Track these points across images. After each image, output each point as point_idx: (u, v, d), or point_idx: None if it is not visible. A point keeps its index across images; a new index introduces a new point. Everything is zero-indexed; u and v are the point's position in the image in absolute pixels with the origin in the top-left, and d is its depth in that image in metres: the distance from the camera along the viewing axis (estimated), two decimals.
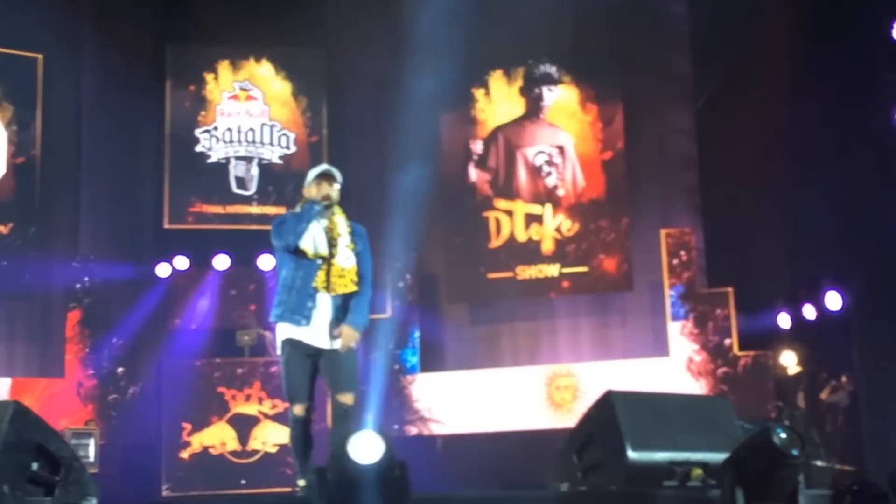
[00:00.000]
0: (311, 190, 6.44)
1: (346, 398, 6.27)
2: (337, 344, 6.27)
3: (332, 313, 6.30)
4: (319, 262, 6.31)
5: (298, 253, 6.31)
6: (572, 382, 13.99)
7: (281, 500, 5.39)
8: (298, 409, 6.29)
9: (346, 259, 6.36)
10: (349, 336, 6.26)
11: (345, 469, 4.12)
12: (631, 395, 5.36)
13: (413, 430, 14.12)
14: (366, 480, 4.12)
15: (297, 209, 6.46)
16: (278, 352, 6.42)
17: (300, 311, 6.25)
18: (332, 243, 6.35)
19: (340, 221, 6.43)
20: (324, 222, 6.39)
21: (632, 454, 5.03)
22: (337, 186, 6.46)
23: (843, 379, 12.05)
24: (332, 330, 6.27)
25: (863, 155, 11.19)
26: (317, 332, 6.27)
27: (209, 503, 5.09)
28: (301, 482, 6.27)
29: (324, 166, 6.56)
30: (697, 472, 5.15)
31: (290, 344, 6.28)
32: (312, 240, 6.33)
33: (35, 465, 4.80)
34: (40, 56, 14.01)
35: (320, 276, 6.30)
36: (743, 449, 4.64)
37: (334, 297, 6.31)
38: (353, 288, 6.36)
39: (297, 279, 6.30)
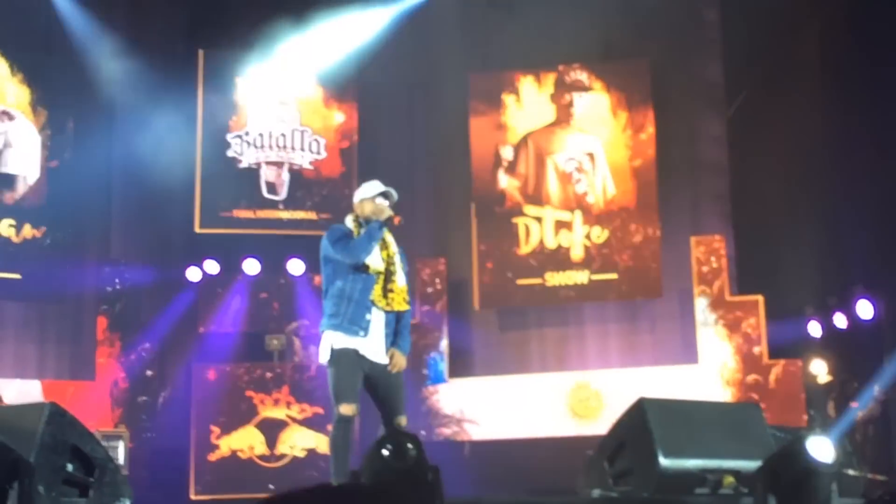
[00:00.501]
0: (365, 206, 6.60)
1: (402, 421, 6.45)
2: (384, 360, 6.47)
3: (384, 328, 6.48)
4: (376, 276, 6.48)
5: (359, 267, 6.47)
6: (600, 389, 13.95)
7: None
8: (346, 409, 6.32)
9: (400, 277, 6.59)
10: (400, 363, 6.47)
11: (378, 472, 4.13)
12: (663, 402, 5.36)
13: (440, 436, 14.12)
14: (399, 483, 4.13)
15: (349, 223, 6.61)
16: (322, 360, 6.51)
17: (358, 323, 6.40)
18: (388, 260, 6.54)
19: (391, 239, 6.63)
20: (391, 247, 6.61)
21: (663, 461, 5.03)
22: (390, 205, 6.62)
23: (876, 388, 11.96)
24: (386, 345, 6.48)
25: (894, 162, 11.14)
26: (372, 344, 6.44)
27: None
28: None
29: (381, 186, 6.67)
30: (729, 479, 5.14)
31: (344, 351, 6.41)
32: (371, 256, 6.50)
33: (70, 466, 4.84)
34: (74, 59, 14.10)
35: (377, 290, 6.47)
36: (776, 457, 4.62)
37: (388, 313, 6.49)
38: (406, 306, 6.58)
39: (356, 291, 6.45)
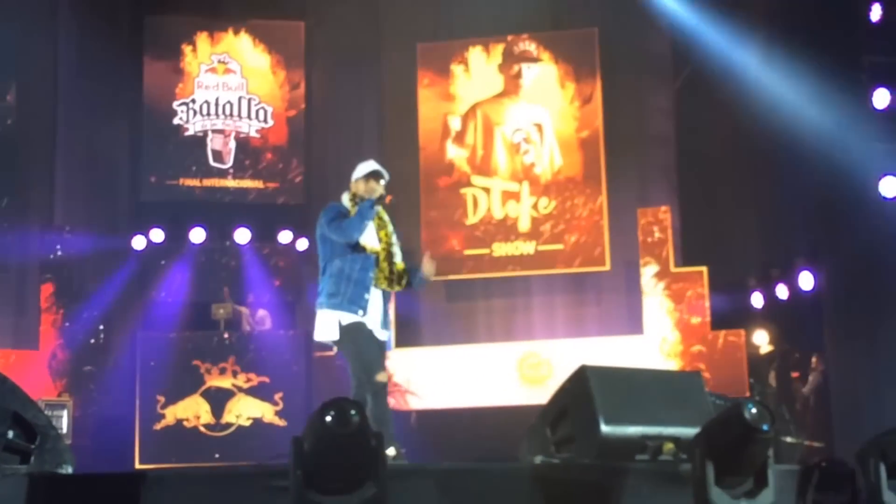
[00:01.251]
0: (359, 186, 6.74)
1: (383, 376, 6.59)
2: (382, 336, 6.66)
3: (382, 306, 6.66)
4: (374, 256, 6.61)
5: (356, 246, 6.60)
6: (546, 359, 14.04)
7: (259, 469, 5.40)
8: (381, 376, 6.53)
9: (399, 258, 6.77)
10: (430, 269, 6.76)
11: (321, 439, 4.13)
12: (605, 369, 5.40)
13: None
14: (341, 450, 4.14)
15: (346, 202, 6.71)
16: (326, 338, 6.66)
17: (358, 302, 6.54)
18: (386, 240, 6.70)
19: (388, 218, 6.77)
20: (386, 226, 6.74)
21: (605, 428, 5.07)
22: (384, 184, 6.76)
23: (814, 359, 12.14)
24: (382, 321, 6.64)
25: (838, 137, 11.25)
26: (370, 322, 6.59)
27: (188, 473, 5.14)
28: (390, 451, 6.37)
29: (374, 165, 6.81)
30: (669, 446, 5.19)
31: (355, 325, 6.54)
32: (369, 236, 6.63)
33: (11, 434, 4.79)
34: (16, 25, 13.88)
35: (380, 271, 6.63)
36: (714, 423, 4.68)
37: (385, 292, 6.67)
38: (398, 288, 6.78)
39: (355, 271, 6.58)
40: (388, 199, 6.73)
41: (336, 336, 6.60)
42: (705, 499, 4.52)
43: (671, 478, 4.98)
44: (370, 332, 6.60)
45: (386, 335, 6.75)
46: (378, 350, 6.66)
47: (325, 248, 6.74)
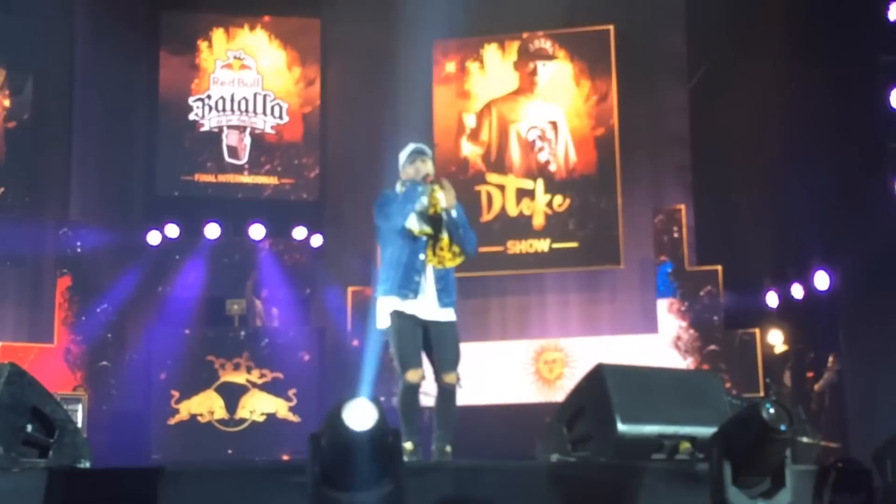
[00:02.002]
0: (408, 171, 6.65)
1: (451, 378, 6.55)
2: (441, 317, 6.51)
3: (436, 286, 6.52)
4: (424, 238, 6.51)
5: (404, 231, 6.52)
6: (560, 357, 14.04)
7: (277, 464, 5.43)
8: (412, 375, 6.43)
9: (448, 234, 6.58)
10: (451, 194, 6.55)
11: (338, 436, 4.14)
12: (622, 368, 5.40)
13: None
14: (359, 447, 4.14)
15: (399, 188, 6.64)
16: (382, 326, 6.57)
17: (407, 286, 6.46)
18: (435, 219, 6.54)
19: (441, 197, 6.58)
20: (425, 200, 6.56)
21: (621, 427, 5.07)
22: (430, 161, 6.68)
23: (830, 358, 12.11)
24: (438, 302, 6.51)
25: (855, 136, 11.23)
26: (424, 304, 6.49)
27: (205, 468, 5.14)
28: (408, 445, 6.42)
29: (413, 145, 6.74)
30: (685, 445, 5.19)
31: (399, 314, 6.48)
32: (416, 218, 6.53)
33: (30, 427, 4.82)
34: (34, 20, 13.92)
35: (427, 251, 6.52)
36: (731, 423, 4.67)
37: (439, 270, 6.55)
38: (459, 260, 6.60)
39: (404, 255, 6.50)
40: (428, 178, 6.60)
41: (387, 323, 6.56)
42: (722, 498, 4.51)
43: (688, 477, 4.97)
44: (417, 325, 6.49)
45: (447, 315, 6.57)
46: (416, 346, 6.52)
47: (379, 237, 6.74)
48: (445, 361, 6.59)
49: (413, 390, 6.49)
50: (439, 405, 6.64)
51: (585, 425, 5.31)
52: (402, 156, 6.74)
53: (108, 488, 4.79)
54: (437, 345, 6.57)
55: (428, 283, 6.52)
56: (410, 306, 6.50)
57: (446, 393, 6.60)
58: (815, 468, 5.28)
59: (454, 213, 6.58)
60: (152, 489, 4.72)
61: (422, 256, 6.51)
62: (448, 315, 6.60)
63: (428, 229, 6.54)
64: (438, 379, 6.58)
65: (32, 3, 13.83)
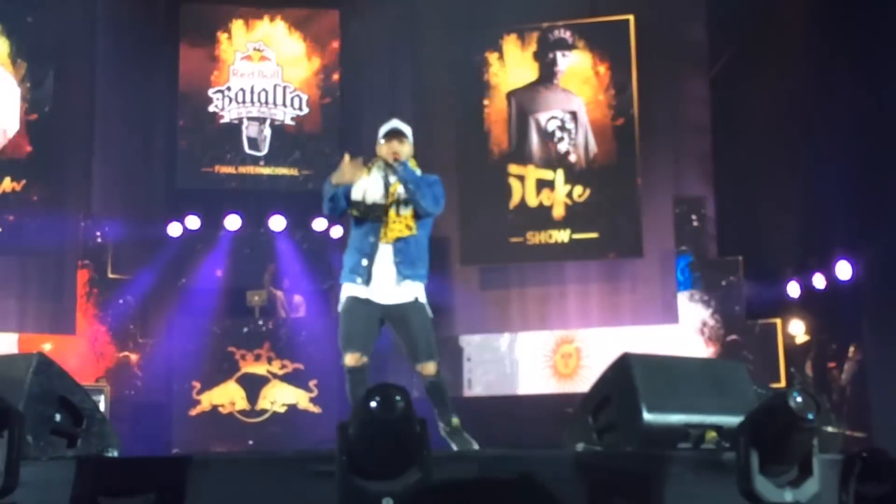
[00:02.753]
0: (381, 149, 6.42)
1: (426, 368, 6.26)
2: (399, 298, 6.22)
3: (392, 262, 6.26)
4: (379, 220, 6.30)
5: (360, 214, 6.34)
6: (581, 348, 14.03)
7: (304, 453, 5.43)
8: (348, 359, 6.20)
9: (403, 206, 6.32)
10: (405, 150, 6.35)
11: (366, 424, 4.15)
12: (647, 357, 5.40)
13: (419, 392, 14.15)
14: (386, 435, 4.16)
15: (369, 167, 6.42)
16: (340, 310, 6.40)
17: (356, 270, 6.27)
18: (390, 199, 6.31)
19: (408, 176, 6.31)
20: (392, 179, 6.34)
21: (647, 416, 5.07)
22: (408, 142, 6.44)
23: (851, 349, 12.08)
24: (397, 279, 6.23)
25: (877, 125, 11.17)
26: (376, 288, 6.26)
27: (232, 458, 5.12)
28: None
29: (390, 124, 6.52)
30: (712, 434, 5.19)
31: (351, 298, 6.29)
32: (363, 194, 6.30)
33: (58, 417, 4.85)
34: (55, 13, 13.97)
35: (380, 232, 6.28)
36: (759, 412, 4.66)
37: (393, 244, 6.27)
38: (408, 232, 6.31)
39: (357, 239, 6.36)
40: (395, 156, 6.31)
41: (341, 307, 6.36)
42: (749, 487, 4.50)
43: (714, 466, 4.97)
44: (367, 307, 6.22)
45: (408, 294, 6.25)
46: (357, 330, 6.21)
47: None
48: (414, 351, 6.29)
49: (352, 376, 6.21)
50: (429, 398, 6.40)
51: (611, 414, 5.31)
52: (381, 131, 6.50)
53: (135, 477, 4.82)
54: (400, 332, 6.31)
55: (381, 263, 6.26)
56: (362, 291, 6.26)
57: (429, 387, 6.33)
58: (842, 458, 5.27)
59: (401, 170, 6.27)
60: (180, 478, 4.74)
61: (371, 239, 6.28)
62: (408, 294, 6.29)
63: (377, 213, 6.31)
64: (416, 371, 6.33)
65: None
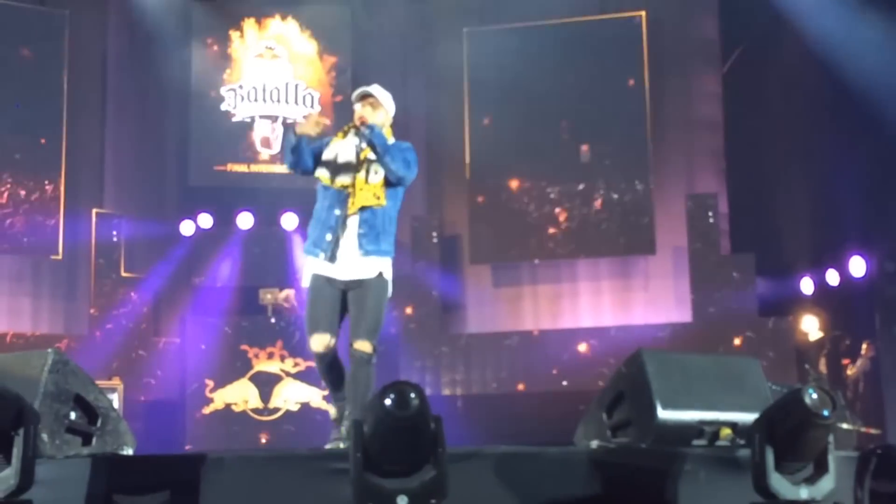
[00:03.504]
0: (355, 113, 6.13)
1: (362, 345, 5.87)
2: (363, 273, 5.93)
3: (358, 231, 5.94)
4: (345, 192, 5.96)
5: (324, 182, 6.03)
6: (593, 345, 14.00)
7: (318, 451, 5.44)
8: (314, 343, 5.92)
9: (373, 174, 5.97)
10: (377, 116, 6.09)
11: (381, 421, 4.15)
12: (662, 353, 5.37)
13: (433, 389, 14.18)
14: (401, 433, 4.15)
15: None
16: (304, 284, 6.10)
17: (319, 245, 5.95)
18: (359, 166, 5.98)
19: (379, 142, 5.97)
20: (361, 145, 6.02)
21: (662, 413, 5.05)
22: (382, 108, 6.14)
23: (864, 345, 12.03)
24: (362, 250, 5.92)
25: (890, 121, 11.13)
26: (340, 264, 5.94)
27: (246, 455, 5.11)
28: (331, 410, 6.12)
29: (364, 87, 6.24)
30: (726, 431, 5.17)
31: (315, 276, 6.00)
32: (332, 167, 6.01)
33: (73, 415, 4.85)
34: (67, 12, 14.02)
35: (348, 203, 5.94)
36: (774, 408, 4.64)
37: (359, 213, 5.93)
38: (376, 202, 5.95)
39: (322, 210, 6.02)
40: (361, 119, 6.00)
41: (307, 283, 6.05)
42: (764, 484, 4.48)
43: (729, 463, 4.95)
44: (330, 285, 5.93)
45: (370, 269, 5.91)
46: (323, 311, 5.92)
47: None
48: (358, 326, 5.89)
49: (320, 360, 5.97)
50: (350, 376, 5.98)
51: (625, 411, 5.29)
52: (354, 95, 6.22)
53: (150, 475, 4.82)
54: (354, 306, 5.94)
55: (348, 239, 5.93)
56: (324, 267, 5.95)
57: (356, 362, 5.89)
58: (857, 454, 5.26)
59: (367, 133, 5.93)
60: (194, 475, 4.75)
61: (337, 212, 5.93)
62: (370, 270, 5.95)
63: (346, 181, 5.97)
64: (350, 346, 5.91)
65: None
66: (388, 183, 5.99)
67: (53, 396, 4.70)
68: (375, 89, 6.20)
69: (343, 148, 6.05)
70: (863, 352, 11.99)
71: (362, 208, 5.93)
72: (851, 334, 12.39)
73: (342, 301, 5.99)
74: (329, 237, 5.93)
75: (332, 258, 5.93)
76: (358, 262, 5.94)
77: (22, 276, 13.89)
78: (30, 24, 13.88)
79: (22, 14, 13.84)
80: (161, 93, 14.83)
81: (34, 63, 13.85)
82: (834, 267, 12.79)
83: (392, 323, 13.51)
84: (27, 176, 13.68)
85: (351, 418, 5.80)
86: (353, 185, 5.95)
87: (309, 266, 6.03)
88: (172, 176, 14.99)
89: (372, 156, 5.96)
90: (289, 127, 6.26)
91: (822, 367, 12.46)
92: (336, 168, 6.01)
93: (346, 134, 6.12)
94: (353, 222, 5.95)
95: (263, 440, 13.48)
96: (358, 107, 6.13)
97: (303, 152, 6.03)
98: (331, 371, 6.04)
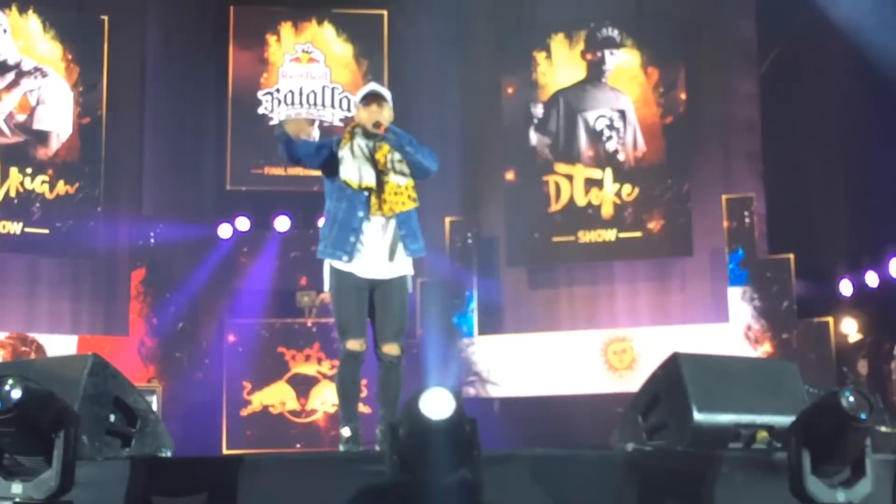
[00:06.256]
0: (360, 115, 6.07)
1: (391, 349, 5.97)
2: (389, 274, 5.96)
3: (391, 236, 5.97)
4: (366, 193, 5.94)
5: (342, 184, 5.97)
6: (630, 347, 13.97)
7: (355, 454, 5.47)
8: (351, 344, 5.93)
9: (399, 176, 5.97)
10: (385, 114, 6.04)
11: (416, 425, 4.17)
12: (698, 357, 5.36)
13: (470, 392, 14.19)
14: (437, 436, 4.17)
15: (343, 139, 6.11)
16: (325, 286, 6.08)
17: (341, 247, 5.92)
18: (381, 169, 5.94)
19: (397, 141, 5.96)
20: (370, 145, 5.99)
21: (698, 416, 5.04)
22: (387, 106, 6.07)
23: None
24: (390, 254, 5.94)
25: None
26: (366, 263, 5.95)
27: (284, 458, 5.12)
28: (345, 432, 6.03)
29: (369, 87, 6.22)
30: (763, 434, 5.15)
31: (337, 274, 5.99)
32: (358, 170, 5.96)
33: (113, 417, 4.91)
34: (106, 17, 14.14)
35: (371, 204, 5.92)
36: (811, 411, 4.63)
37: (399, 215, 5.97)
38: (413, 204, 5.99)
39: (340, 212, 5.97)
40: (381, 127, 5.90)
41: (327, 286, 6.02)
42: (801, 487, 4.47)
43: (765, 466, 4.94)
44: (358, 283, 5.92)
45: (398, 269, 5.97)
46: (357, 311, 5.92)
47: (325, 190, 6.17)
48: (385, 329, 5.98)
49: (353, 360, 5.96)
50: (380, 380, 6.05)
51: (661, 414, 5.29)
52: (357, 96, 6.18)
53: (188, 477, 4.88)
54: (380, 308, 5.98)
55: (371, 239, 5.93)
56: (352, 268, 5.93)
57: (386, 365, 5.99)
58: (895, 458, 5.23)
59: (392, 137, 5.89)
60: (232, 478, 4.79)
61: (360, 213, 5.91)
62: (400, 268, 6.01)
63: (369, 182, 5.93)
64: (377, 349, 5.99)
65: (104, 1, 14.06)
66: (414, 178, 6.03)
67: (93, 399, 4.76)
68: (381, 88, 6.22)
69: (358, 150, 6.02)
70: None
71: (398, 213, 5.96)
72: (891, 336, 12.30)
73: (369, 299, 6.01)
74: (353, 239, 5.92)
75: (352, 258, 5.93)
76: (387, 264, 5.97)
77: (63, 279, 14.01)
78: (70, 29, 13.99)
79: (61, 18, 13.97)
80: (198, 97, 14.93)
81: (73, 68, 13.97)
82: (873, 268, 12.70)
83: (426, 324, 13.56)
84: (66, 181, 13.78)
85: (385, 421, 5.89)
86: (380, 188, 5.92)
87: (332, 269, 6.02)
88: (210, 179, 15.09)
89: (391, 157, 5.95)
90: (280, 121, 6.28)
91: (862, 369, 12.37)
92: (359, 171, 5.97)
93: (352, 136, 6.09)
94: (377, 224, 5.95)
95: (297, 445, 13.52)
96: (372, 108, 6.03)
97: (294, 146, 6.09)
98: (356, 376, 6.06)
